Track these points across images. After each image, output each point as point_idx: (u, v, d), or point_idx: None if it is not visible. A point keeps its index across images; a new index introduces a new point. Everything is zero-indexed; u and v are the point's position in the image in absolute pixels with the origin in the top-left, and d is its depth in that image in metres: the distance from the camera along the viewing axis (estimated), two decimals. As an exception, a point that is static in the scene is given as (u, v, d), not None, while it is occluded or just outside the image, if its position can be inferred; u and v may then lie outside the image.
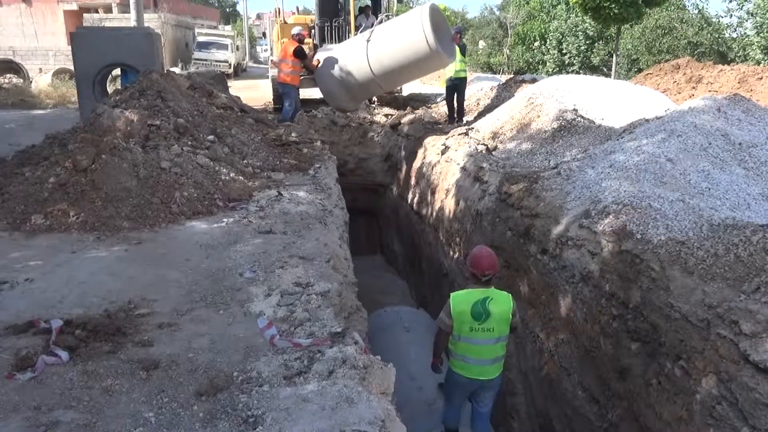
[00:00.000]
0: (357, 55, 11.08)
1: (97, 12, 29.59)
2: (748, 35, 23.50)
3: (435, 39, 9.99)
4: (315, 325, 3.24)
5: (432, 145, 10.13)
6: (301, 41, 10.98)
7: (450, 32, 10.87)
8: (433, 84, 20.70)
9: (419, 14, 10.31)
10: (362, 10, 13.93)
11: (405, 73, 11.27)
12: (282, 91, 11.35)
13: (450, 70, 10.86)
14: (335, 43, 13.83)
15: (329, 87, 11.81)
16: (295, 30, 11.22)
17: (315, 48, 15.08)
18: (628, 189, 4.91)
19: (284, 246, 4.53)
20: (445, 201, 8.64)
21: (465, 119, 11.25)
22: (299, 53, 10.84)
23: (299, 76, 11.16)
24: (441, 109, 12.73)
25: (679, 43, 25.16)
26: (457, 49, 10.63)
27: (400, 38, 10.52)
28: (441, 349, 4.65)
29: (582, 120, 7.94)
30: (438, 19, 10.59)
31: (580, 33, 27.66)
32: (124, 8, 25.98)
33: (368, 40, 10.84)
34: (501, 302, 4.31)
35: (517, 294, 6.01)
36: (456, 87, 11.01)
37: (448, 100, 11.31)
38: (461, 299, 4.31)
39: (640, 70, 21.93)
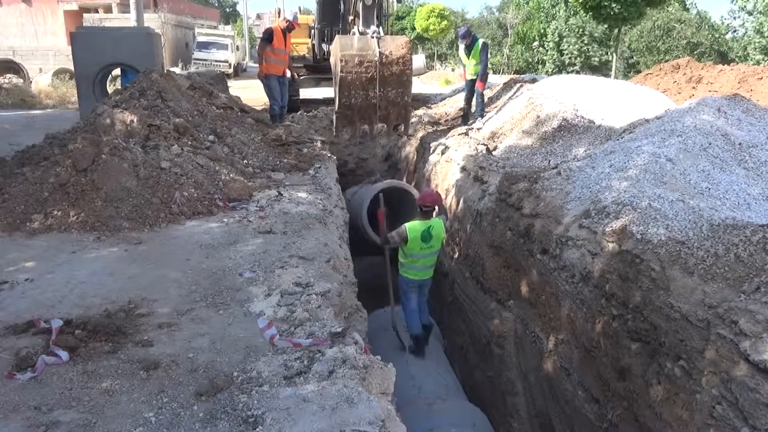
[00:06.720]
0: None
1: (97, 12, 29.60)
2: (749, 35, 23.55)
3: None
4: (315, 325, 3.23)
5: (432, 145, 10.13)
6: (289, 29, 9.69)
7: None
8: (433, 84, 20.70)
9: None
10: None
11: None
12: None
13: (470, 67, 10.28)
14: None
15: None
16: (288, 14, 10.04)
17: (314, 48, 15.10)
18: (628, 189, 4.90)
19: (284, 246, 4.53)
20: (445, 201, 8.64)
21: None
22: (266, 36, 9.58)
23: (275, 63, 9.71)
24: (441, 109, 12.72)
25: (678, 44, 25.20)
26: (461, 48, 10.31)
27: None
28: (389, 255, 6.67)
29: (582, 120, 7.94)
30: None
31: (580, 34, 27.67)
32: (124, 8, 26.00)
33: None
34: (438, 228, 6.18)
35: (518, 294, 6.01)
36: (470, 86, 10.41)
37: (467, 98, 10.64)
38: (414, 228, 6.06)
39: (638, 71, 21.94)
